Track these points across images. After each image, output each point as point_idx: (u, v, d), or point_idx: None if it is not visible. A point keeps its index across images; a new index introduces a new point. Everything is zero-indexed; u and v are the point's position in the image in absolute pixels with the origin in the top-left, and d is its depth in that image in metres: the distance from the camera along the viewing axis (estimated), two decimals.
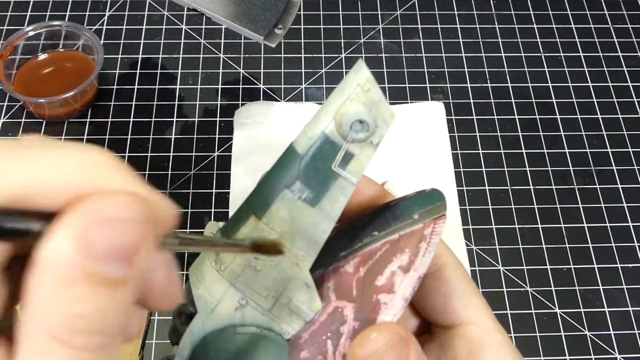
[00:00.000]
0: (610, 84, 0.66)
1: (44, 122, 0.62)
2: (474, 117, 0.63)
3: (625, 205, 0.59)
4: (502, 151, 0.61)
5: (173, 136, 0.61)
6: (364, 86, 0.21)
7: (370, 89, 0.21)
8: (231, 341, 0.22)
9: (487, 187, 0.59)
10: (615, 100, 0.65)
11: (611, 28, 0.70)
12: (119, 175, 0.16)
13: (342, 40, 0.68)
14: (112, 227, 0.15)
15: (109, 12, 0.69)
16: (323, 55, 0.67)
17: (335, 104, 0.21)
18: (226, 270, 0.22)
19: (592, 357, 0.51)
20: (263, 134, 0.61)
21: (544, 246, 0.56)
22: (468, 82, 0.66)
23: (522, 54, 0.68)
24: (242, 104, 0.63)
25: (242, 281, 0.22)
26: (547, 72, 0.67)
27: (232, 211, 0.56)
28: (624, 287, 0.54)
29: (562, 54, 0.68)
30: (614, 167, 0.61)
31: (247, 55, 0.67)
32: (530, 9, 0.72)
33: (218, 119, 0.62)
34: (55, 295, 0.15)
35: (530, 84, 0.66)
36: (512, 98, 0.65)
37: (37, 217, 0.15)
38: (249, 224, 0.22)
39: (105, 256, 0.15)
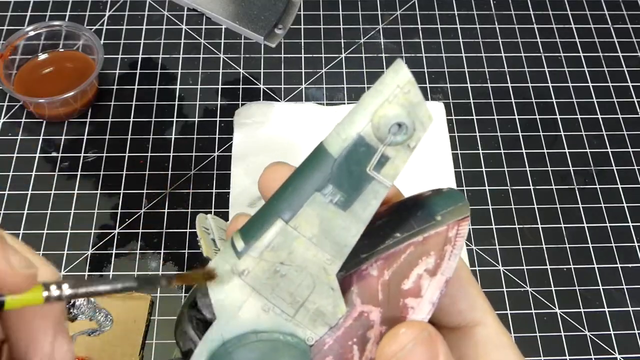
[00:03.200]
0: (610, 84, 0.66)
1: (44, 122, 0.62)
2: (474, 117, 0.63)
3: (625, 205, 0.59)
4: (502, 151, 0.61)
5: (173, 136, 0.61)
6: (403, 88, 0.20)
7: (410, 91, 0.20)
8: (253, 348, 0.22)
9: (487, 187, 0.59)
10: (615, 100, 0.65)
11: (611, 28, 0.70)
12: None
13: (342, 40, 0.68)
14: None
15: (109, 12, 0.69)
16: (323, 55, 0.67)
17: (372, 106, 0.21)
18: (249, 276, 0.22)
19: (592, 357, 0.51)
20: (263, 134, 0.61)
21: (544, 246, 0.56)
22: (468, 82, 0.66)
23: (522, 54, 0.68)
24: (242, 104, 0.63)
25: (265, 287, 0.22)
26: (547, 72, 0.67)
27: (232, 211, 0.56)
28: (624, 287, 0.54)
29: (562, 54, 0.68)
30: (614, 167, 0.61)
31: (247, 55, 0.67)
32: (530, 9, 0.72)
33: (218, 119, 0.62)
34: None
35: (530, 84, 0.66)
36: (512, 98, 0.65)
37: None
38: (275, 227, 0.21)
39: None
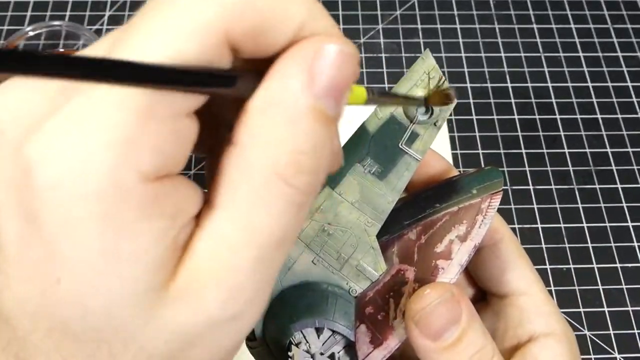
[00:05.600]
0: (609, 84, 0.66)
1: None
2: (474, 117, 0.63)
3: (624, 205, 0.59)
4: (502, 151, 0.61)
5: None
6: (429, 73, 0.24)
7: (435, 77, 0.24)
8: (305, 295, 0.25)
9: None
10: (615, 100, 0.65)
11: (610, 28, 0.70)
12: (326, 19, 0.15)
13: None
14: (335, 60, 0.14)
15: (109, 12, 0.69)
16: None
17: (403, 89, 0.24)
18: (302, 234, 0.25)
19: (592, 356, 0.51)
20: None
21: (543, 246, 0.56)
22: (468, 82, 0.66)
23: (522, 54, 0.68)
24: None
25: (316, 244, 0.25)
26: (546, 72, 0.67)
27: None
28: (624, 287, 0.55)
29: (561, 54, 0.68)
30: (614, 167, 0.61)
31: None
32: (530, 9, 0.72)
33: None
34: (283, 131, 0.14)
35: (530, 84, 0.66)
36: (512, 98, 0.65)
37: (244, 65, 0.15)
38: (323, 193, 0.25)
39: (327, 92, 0.14)
